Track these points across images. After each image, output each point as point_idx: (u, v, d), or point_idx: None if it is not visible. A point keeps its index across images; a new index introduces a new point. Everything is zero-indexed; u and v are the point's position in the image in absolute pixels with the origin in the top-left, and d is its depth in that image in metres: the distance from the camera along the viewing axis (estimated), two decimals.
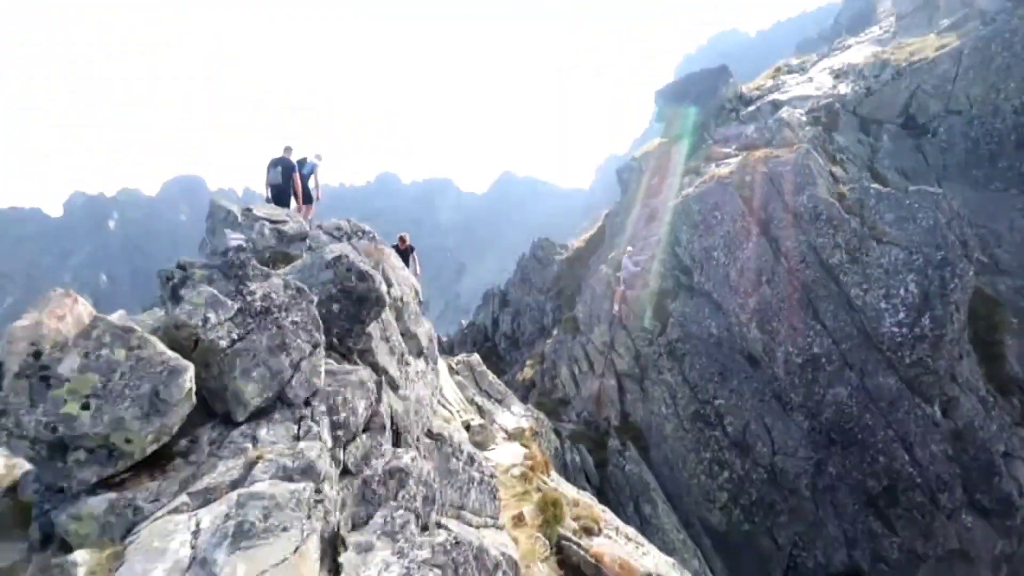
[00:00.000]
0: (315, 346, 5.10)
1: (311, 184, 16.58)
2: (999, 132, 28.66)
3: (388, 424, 5.76)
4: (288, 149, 16.48)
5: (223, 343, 4.54)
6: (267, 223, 8.57)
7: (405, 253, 16.28)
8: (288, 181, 15.54)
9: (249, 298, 4.86)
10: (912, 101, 30.63)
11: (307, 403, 4.84)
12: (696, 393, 21.89)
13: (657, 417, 22.21)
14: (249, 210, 8.87)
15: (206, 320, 4.54)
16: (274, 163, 15.67)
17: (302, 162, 16.46)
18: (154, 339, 4.16)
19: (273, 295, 5.04)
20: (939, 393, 20.39)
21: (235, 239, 7.38)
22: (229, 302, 4.71)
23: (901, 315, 20.48)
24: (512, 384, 25.91)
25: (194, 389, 4.25)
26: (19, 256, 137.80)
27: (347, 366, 5.67)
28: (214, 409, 4.62)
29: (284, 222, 8.77)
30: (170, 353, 4.15)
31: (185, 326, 4.49)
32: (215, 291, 4.71)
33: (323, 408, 4.87)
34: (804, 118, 30.16)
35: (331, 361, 5.68)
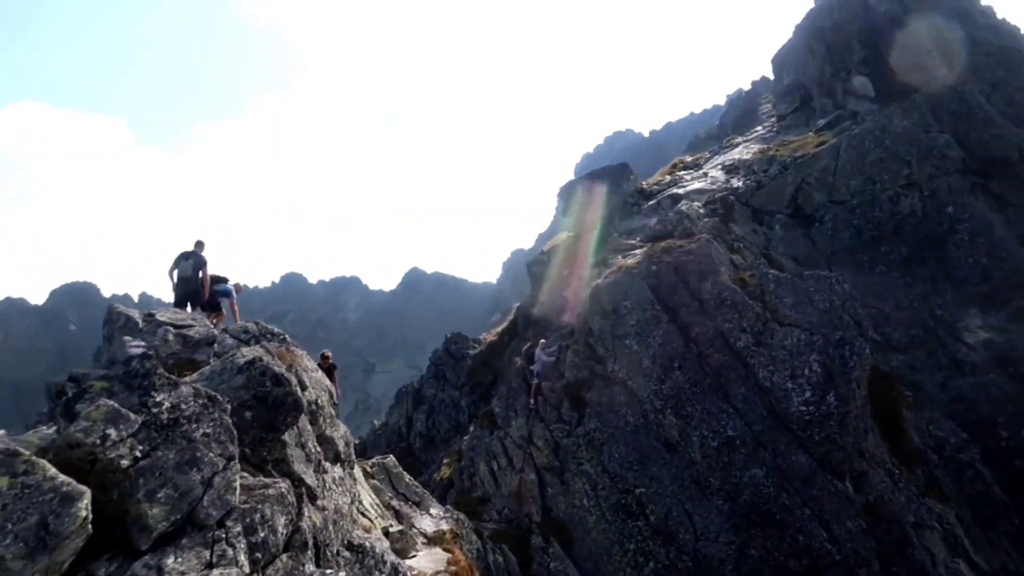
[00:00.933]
0: (229, 459, 4.69)
1: (232, 308, 16.03)
2: (878, 219, 30.82)
3: (310, 541, 5.31)
4: (200, 244, 15.96)
5: (124, 462, 4.09)
6: (171, 328, 8.09)
7: (328, 371, 15.74)
8: (198, 276, 15.00)
9: (155, 410, 4.44)
10: (798, 193, 32.68)
11: (221, 524, 4.38)
12: (616, 483, 21.69)
13: (579, 510, 21.80)
14: (151, 315, 8.38)
15: (105, 437, 4.08)
16: (185, 256, 15.13)
17: (222, 280, 15.94)
18: (43, 462, 3.69)
19: (182, 406, 4.63)
20: (849, 469, 20.90)
21: (136, 347, 6.90)
22: (132, 416, 4.28)
23: (807, 394, 21.12)
24: (430, 485, 25.04)
25: (90, 517, 3.77)
26: None
27: (263, 479, 5.23)
28: (114, 537, 4.12)
29: (189, 326, 8.31)
30: (62, 477, 3.68)
31: (80, 445, 4.03)
32: (116, 404, 4.28)
33: (239, 528, 4.42)
34: (702, 210, 31.61)
35: (245, 474, 5.22)
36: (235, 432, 4.86)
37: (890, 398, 24.87)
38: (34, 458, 3.59)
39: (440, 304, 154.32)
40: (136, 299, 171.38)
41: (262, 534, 4.55)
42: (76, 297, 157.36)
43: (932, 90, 34.30)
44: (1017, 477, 25.01)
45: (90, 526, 3.73)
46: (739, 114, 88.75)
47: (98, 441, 4.02)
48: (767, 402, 21.50)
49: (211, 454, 4.51)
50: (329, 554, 6.54)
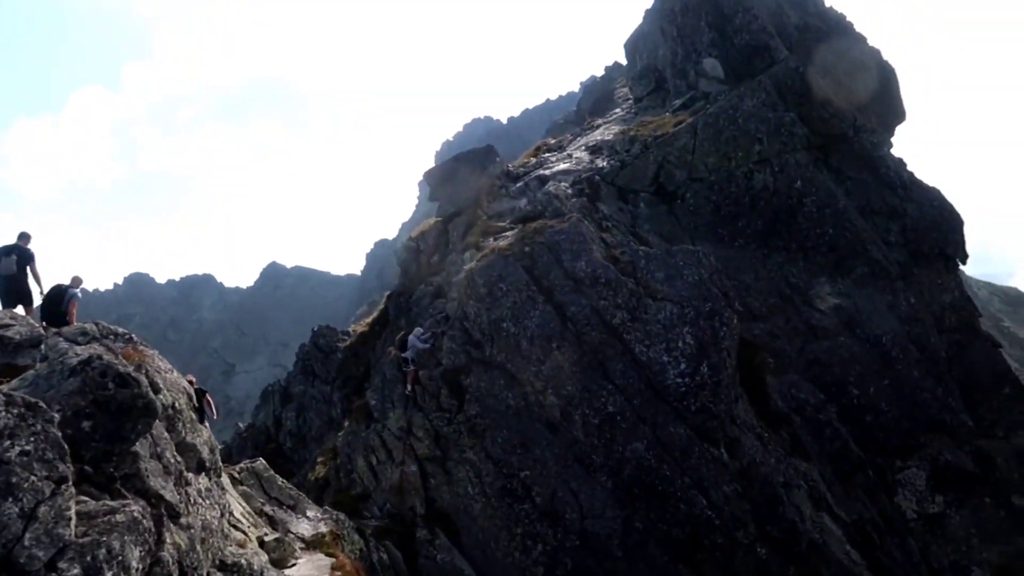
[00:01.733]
0: (59, 482, 3.61)
1: (69, 315, 14.02)
2: (735, 194, 32.00)
3: (175, 571, 4.32)
4: (24, 235, 14.00)
5: None
6: None
7: (198, 397, 14.08)
8: (24, 273, 13.13)
9: None
10: (660, 171, 33.41)
11: (52, 567, 3.32)
12: (501, 468, 21.28)
13: (464, 499, 21.22)
14: None
15: None
16: (5, 251, 13.19)
17: (62, 290, 13.97)
18: None
19: None
20: (723, 436, 21.51)
21: None
22: None
23: (683, 366, 21.54)
24: (304, 486, 23.66)
25: None
26: None
27: (109, 502, 4.15)
28: None
29: (8, 326, 6.92)
30: None
31: None
32: None
33: (77, 571, 3.37)
34: (570, 190, 31.71)
35: (85, 498, 4.10)
36: (66, 448, 3.79)
37: (754, 365, 25.91)
38: None
39: (302, 298, 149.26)
40: None
41: (110, 574, 3.52)
42: None
43: (775, 72, 35.97)
44: (868, 432, 26.75)
45: None
46: (595, 99, 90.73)
47: None
48: (645, 376, 21.74)
49: (33, 477, 3.42)
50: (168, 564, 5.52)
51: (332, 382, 34.77)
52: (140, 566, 3.85)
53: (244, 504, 13.69)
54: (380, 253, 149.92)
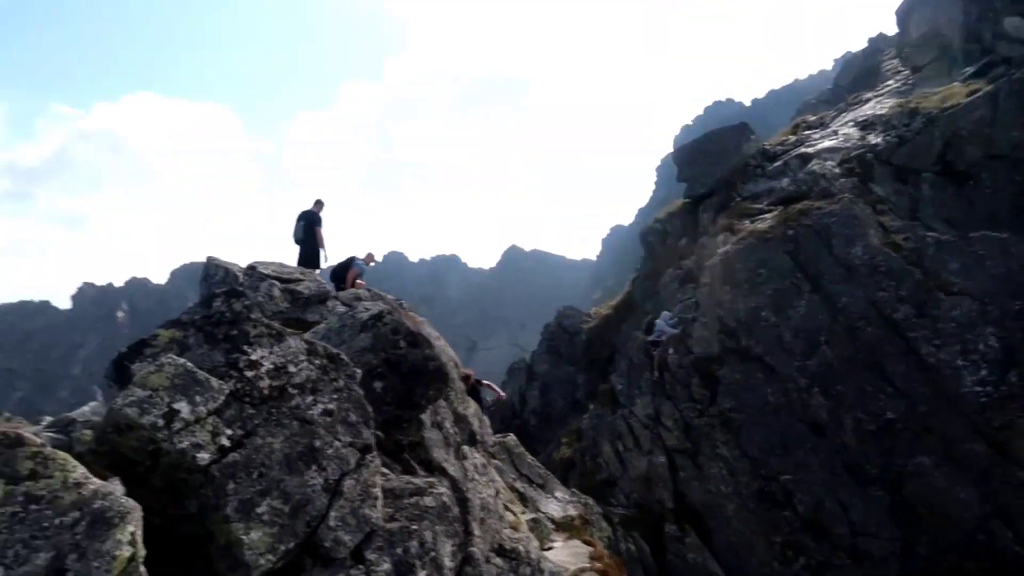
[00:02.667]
0: (364, 451, 2.99)
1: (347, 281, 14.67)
2: None
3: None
4: (318, 202, 14.83)
5: (202, 456, 2.46)
6: (276, 283, 6.68)
7: (473, 393, 13.93)
8: (311, 236, 13.84)
9: (250, 374, 2.81)
10: (948, 148, 29.06)
11: (359, 557, 2.69)
12: (758, 468, 19.53)
13: (716, 497, 19.77)
14: (253, 268, 7.02)
15: (171, 416, 2.43)
16: (299, 217, 14.05)
17: (350, 261, 14.69)
18: (64, 457, 2.14)
19: (290, 368, 2.98)
20: None
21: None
22: (214, 382, 2.67)
23: (983, 372, 18.31)
24: (549, 464, 23.50)
25: (140, 554, 2.18)
26: (28, 350, 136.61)
27: (412, 480, 3.52)
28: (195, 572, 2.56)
29: (298, 280, 6.86)
30: (95, 483, 2.14)
31: (133, 428, 2.41)
32: (186, 363, 2.65)
33: (387, 567, 2.70)
34: (837, 170, 28.60)
35: (387, 472, 3.49)
36: (370, 410, 3.21)
37: None
38: (48, 450, 2.05)
39: (540, 281, 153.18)
40: None
41: (423, 574, 2.82)
42: (194, 276, 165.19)
43: None
44: None
45: (142, 568, 2.23)
46: (856, 75, 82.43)
47: (160, 422, 2.44)
48: (933, 381, 18.78)
49: (337, 443, 2.82)
50: (480, 564, 4.95)
51: (577, 363, 34.57)
52: (452, 564, 3.18)
53: (499, 479, 13.53)
54: (615, 238, 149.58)
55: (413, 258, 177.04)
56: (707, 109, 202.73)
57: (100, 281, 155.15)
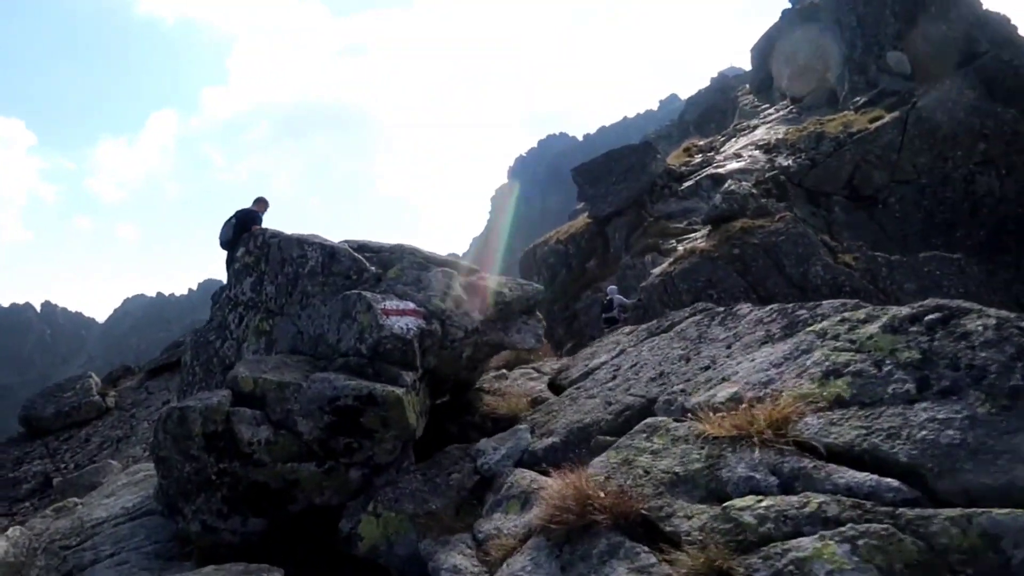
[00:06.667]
0: None
1: None
2: (951, 200, 27.50)
3: None
4: (261, 201, 11.08)
5: None
6: None
7: None
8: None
9: None
10: (856, 172, 29.14)
11: None
12: None
13: None
14: None
15: None
16: (233, 215, 10.24)
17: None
18: None
19: None
20: None
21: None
22: None
23: None
24: None
25: None
26: None
27: None
28: None
29: None
30: None
31: None
32: None
33: None
34: (755, 190, 27.67)
35: None
36: None
37: None
38: None
39: None
40: (38, 308, 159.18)
41: None
42: None
43: (983, 64, 31.47)
44: None
45: None
46: (703, 110, 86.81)
47: None
48: None
49: None
50: None
51: None
52: None
53: None
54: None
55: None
56: (540, 142, 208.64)
57: None
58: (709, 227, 24.62)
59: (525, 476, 4.97)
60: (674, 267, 22.38)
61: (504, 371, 8.50)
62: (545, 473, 5.09)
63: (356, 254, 6.29)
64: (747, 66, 65.29)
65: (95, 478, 8.10)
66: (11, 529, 5.28)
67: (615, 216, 30.83)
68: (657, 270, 23.37)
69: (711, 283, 20.99)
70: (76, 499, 5.60)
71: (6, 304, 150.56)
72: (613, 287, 23.66)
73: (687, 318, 7.58)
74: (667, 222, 28.44)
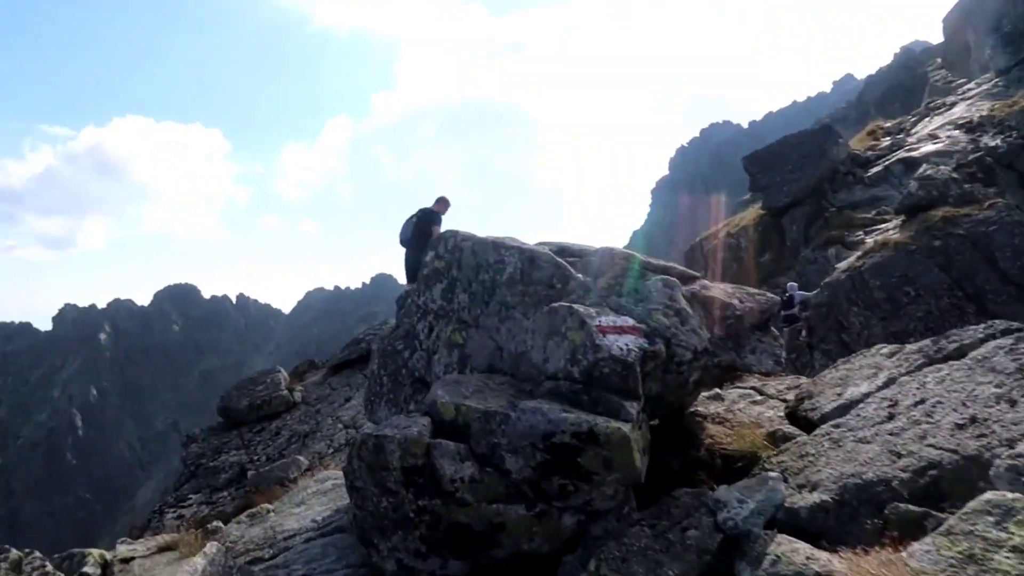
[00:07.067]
0: None
1: None
2: None
3: None
4: (442, 201, 11.25)
5: None
6: None
7: None
8: (425, 235, 10.09)
9: None
10: None
11: None
12: None
13: None
14: None
15: None
16: (414, 215, 10.42)
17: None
18: None
19: None
20: None
21: None
22: None
23: None
24: None
25: None
26: (7, 372, 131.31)
27: None
28: None
29: None
30: None
31: None
32: None
33: None
34: (955, 175, 24.88)
35: None
36: None
37: None
38: None
39: None
40: (234, 300, 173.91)
41: None
42: (178, 297, 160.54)
43: None
44: None
45: None
46: (884, 89, 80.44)
47: None
48: None
49: None
50: None
51: None
52: None
53: None
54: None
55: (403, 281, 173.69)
56: (703, 131, 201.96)
57: (83, 303, 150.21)
58: (903, 217, 22.44)
59: (796, 550, 3.91)
60: (863, 261, 20.56)
61: (718, 391, 7.42)
62: (817, 545, 4.09)
63: (559, 259, 5.58)
64: (935, 39, 59.60)
65: (283, 473, 8.31)
66: (208, 545, 5.37)
67: (792, 207, 28.91)
68: (843, 264, 21.59)
69: (907, 279, 19.08)
70: (268, 505, 5.62)
71: (208, 297, 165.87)
72: (793, 283, 22.13)
73: (985, 340, 5.90)
74: (852, 212, 26.27)
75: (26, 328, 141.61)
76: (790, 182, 29.49)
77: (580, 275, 5.46)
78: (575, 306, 4.88)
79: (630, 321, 4.87)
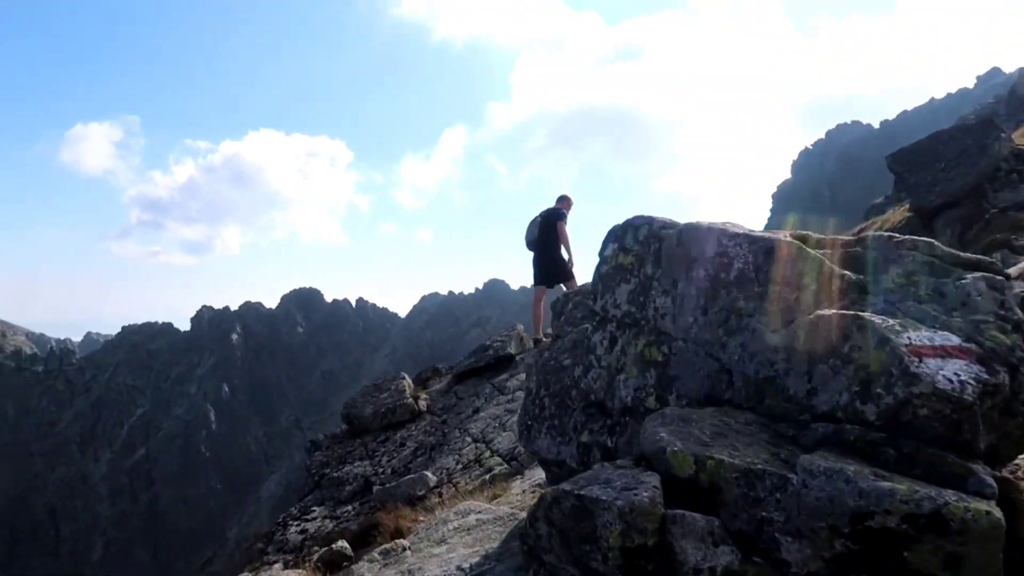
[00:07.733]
0: None
1: None
2: None
3: None
4: (564, 199, 10.68)
5: None
6: None
7: None
8: (552, 234, 9.54)
9: None
10: None
11: None
12: None
13: None
14: None
15: None
16: (539, 215, 9.87)
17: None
18: None
19: None
20: None
21: None
22: None
23: None
24: None
25: None
26: (151, 369, 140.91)
27: None
28: None
29: None
30: None
31: None
32: None
33: None
34: None
35: None
36: None
37: None
38: None
39: None
40: (354, 303, 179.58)
41: None
42: (303, 301, 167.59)
43: None
44: None
45: None
46: None
47: None
48: None
49: None
50: None
51: None
52: None
53: None
54: None
55: (514, 286, 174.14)
56: (828, 132, 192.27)
57: (218, 304, 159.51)
58: None
59: None
60: None
61: None
62: None
63: (810, 250, 3.67)
64: None
65: (411, 490, 7.74)
66: None
67: (946, 208, 26.40)
68: (1013, 271, 19.31)
69: None
70: (403, 541, 4.93)
71: (329, 300, 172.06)
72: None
73: None
74: (1018, 213, 23.64)
75: (168, 328, 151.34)
76: (943, 181, 27.00)
77: (847, 271, 3.58)
78: (864, 315, 2.97)
79: (954, 339, 2.84)
